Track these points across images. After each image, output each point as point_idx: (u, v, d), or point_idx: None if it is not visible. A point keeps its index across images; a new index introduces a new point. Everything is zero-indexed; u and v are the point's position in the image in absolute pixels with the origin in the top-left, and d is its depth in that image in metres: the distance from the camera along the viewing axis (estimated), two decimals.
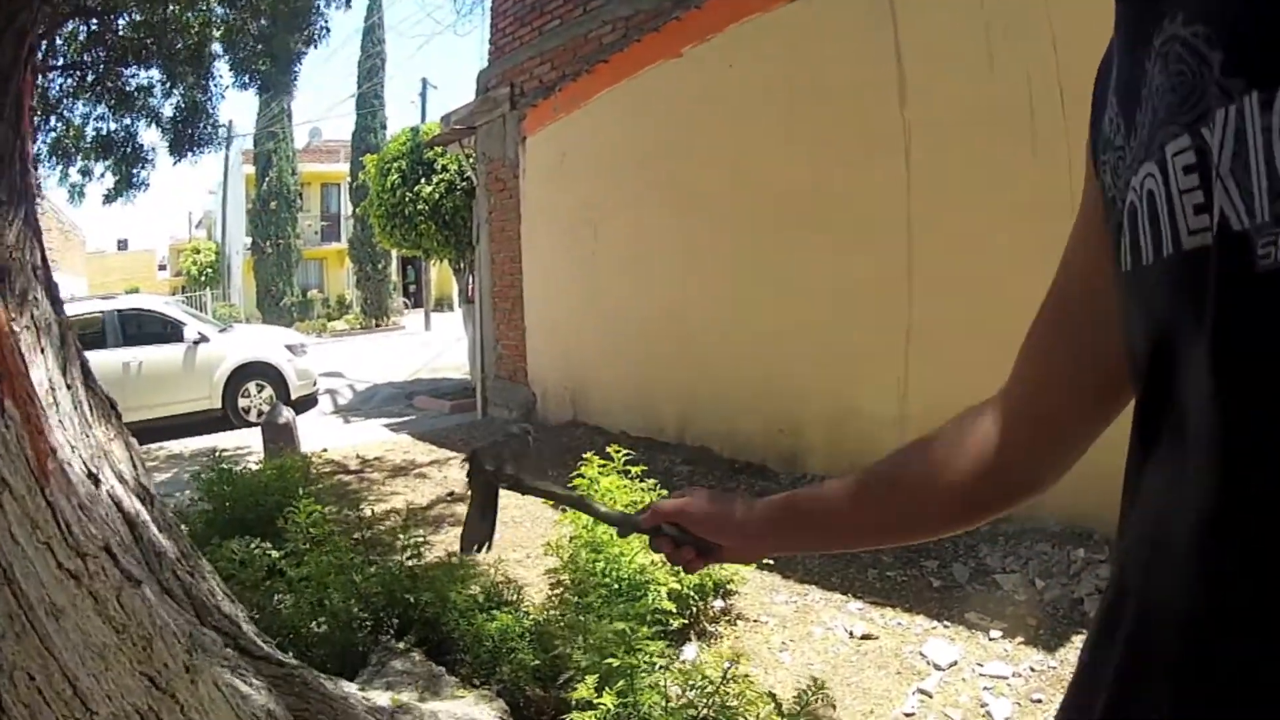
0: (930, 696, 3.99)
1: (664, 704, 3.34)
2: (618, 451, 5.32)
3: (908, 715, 3.88)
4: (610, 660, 3.38)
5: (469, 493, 1.49)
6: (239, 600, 4.56)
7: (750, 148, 7.84)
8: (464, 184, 14.70)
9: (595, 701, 3.25)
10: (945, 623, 4.62)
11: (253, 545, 5.09)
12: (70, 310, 11.19)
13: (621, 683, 3.30)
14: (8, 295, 2.74)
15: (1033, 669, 4.08)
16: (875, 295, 6.56)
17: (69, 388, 2.89)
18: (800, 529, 1.24)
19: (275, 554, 4.93)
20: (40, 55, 7.17)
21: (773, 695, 3.48)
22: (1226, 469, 0.59)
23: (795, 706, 3.46)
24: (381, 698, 3.34)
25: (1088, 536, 4.96)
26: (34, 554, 1.32)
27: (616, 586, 4.51)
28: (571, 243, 10.67)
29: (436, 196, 15.00)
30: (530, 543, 6.52)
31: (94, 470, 2.73)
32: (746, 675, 3.54)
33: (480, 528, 1.50)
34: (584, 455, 5.41)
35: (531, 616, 4.37)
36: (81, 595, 1.41)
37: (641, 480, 5.29)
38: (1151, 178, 0.68)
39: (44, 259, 3.04)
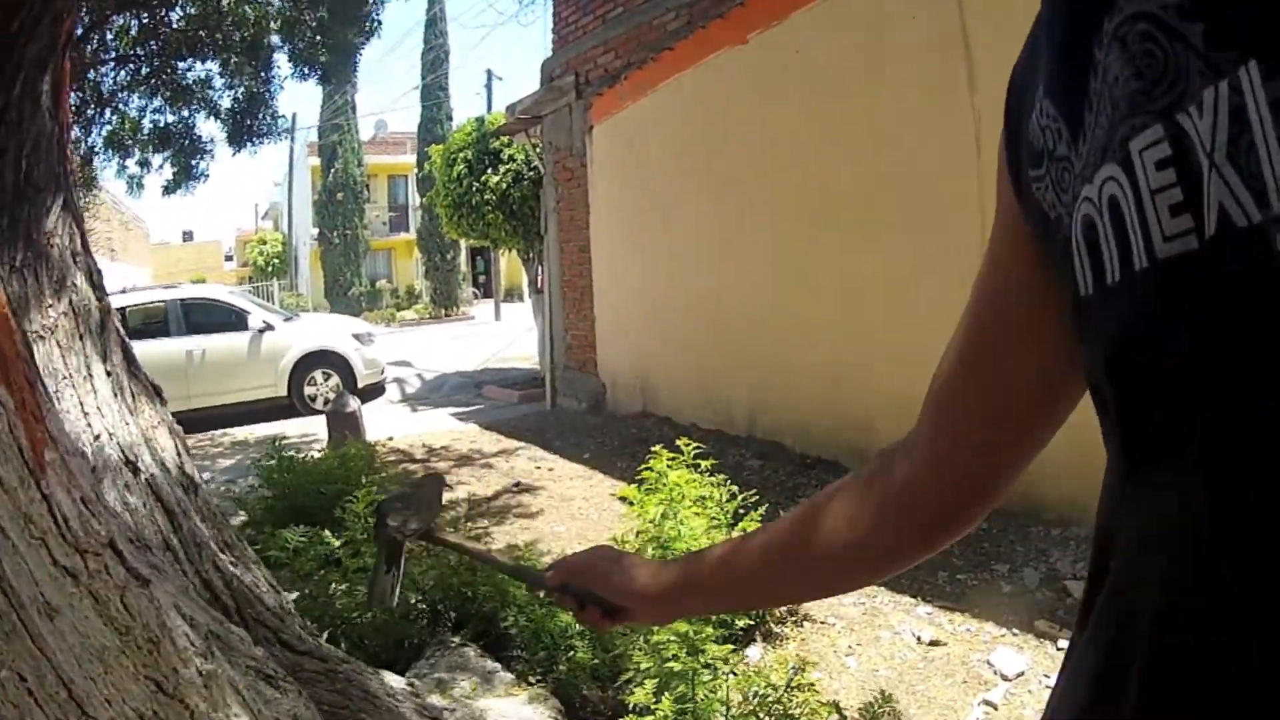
0: (995, 709, 3.86)
1: (725, 711, 3.19)
2: (687, 444, 5.15)
3: None
4: (671, 664, 3.23)
5: (376, 546, 1.48)
6: (291, 589, 4.51)
7: (819, 135, 7.64)
8: (531, 173, 14.65)
9: (653, 706, 3.12)
10: (1014, 630, 4.48)
11: (307, 534, 5.00)
12: (133, 299, 11.37)
13: (681, 687, 3.16)
14: (43, 280, 2.71)
15: None
16: (946, 284, 6.32)
17: (109, 374, 2.83)
18: (710, 595, 1.21)
19: (334, 543, 4.83)
20: (91, 48, 7.16)
21: (836, 706, 3.32)
22: (1222, 477, 0.54)
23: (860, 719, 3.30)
24: (432, 695, 3.23)
25: None
26: (26, 550, 1.21)
27: None
28: (640, 232, 10.55)
29: (504, 186, 14.91)
30: (597, 536, 6.41)
31: (132, 458, 2.65)
32: (811, 684, 3.38)
33: (384, 581, 1.48)
34: (653, 449, 5.25)
35: None
36: (80, 594, 1.30)
37: (711, 475, 5.11)
38: (1113, 181, 0.61)
39: (84, 245, 3.00)
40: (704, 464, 5.10)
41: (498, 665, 3.77)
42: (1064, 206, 0.69)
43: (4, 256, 2.65)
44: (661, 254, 10.17)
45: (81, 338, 2.77)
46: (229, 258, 66.79)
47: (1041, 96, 0.72)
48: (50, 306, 2.71)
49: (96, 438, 2.60)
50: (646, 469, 5.02)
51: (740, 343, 8.84)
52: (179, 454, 2.99)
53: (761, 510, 4.94)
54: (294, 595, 4.52)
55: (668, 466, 4.96)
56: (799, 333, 7.99)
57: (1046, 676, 4.00)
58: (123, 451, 2.63)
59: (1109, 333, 0.63)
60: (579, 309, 12.38)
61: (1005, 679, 4.05)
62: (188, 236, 73.35)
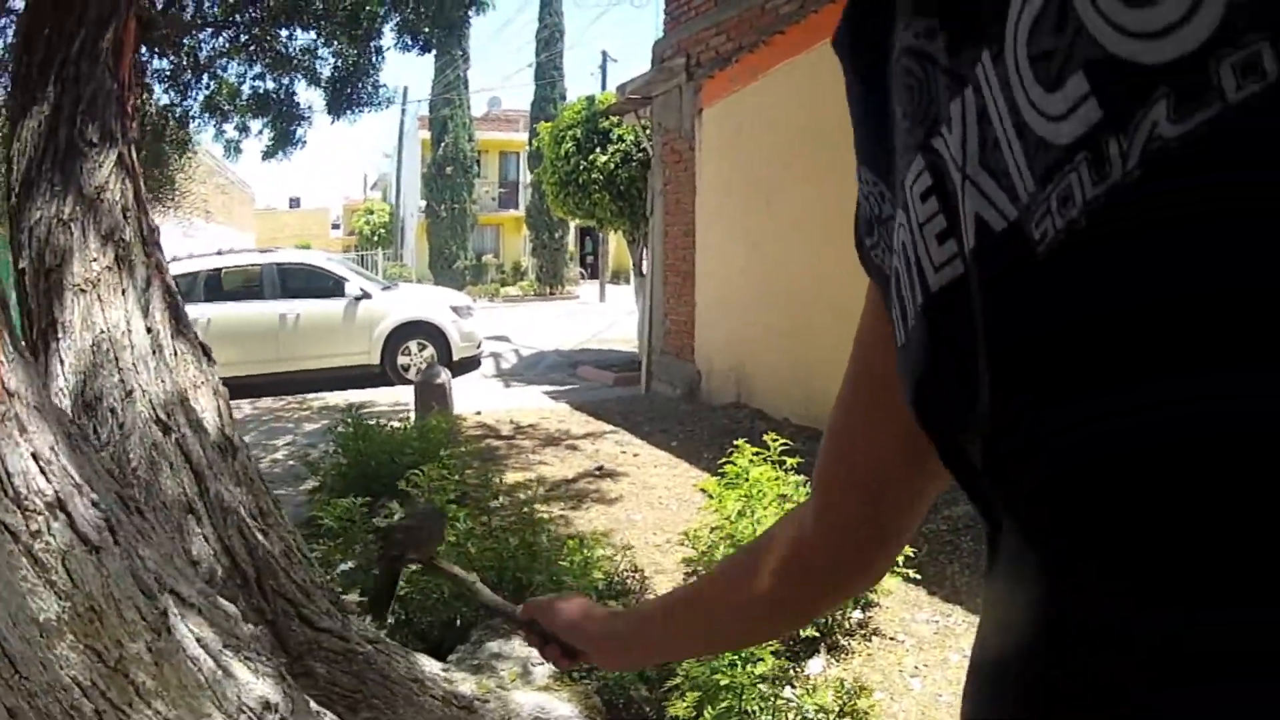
0: None
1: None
2: (774, 440, 4.98)
3: None
4: (717, 676, 3.03)
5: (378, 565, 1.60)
6: (346, 559, 4.41)
7: None
8: (640, 155, 14.51)
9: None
10: None
11: (366, 503, 4.88)
12: (228, 261, 11.59)
13: (728, 700, 2.97)
14: (89, 234, 2.69)
15: None
16: None
17: (149, 331, 2.77)
18: (649, 649, 1.25)
19: (396, 515, 4.72)
20: (189, 14, 7.22)
21: None
22: (999, 476, 0.55)
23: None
24: (466, 683, 3.09)
25: None
26: None
27: None
28: (745, 218, 10.33)
29: (611, 166, 14.82)
30: (673, 527, 6.28)
31: (164, 417, 2.55)
32: (867, 710, 3.17)
33: (380, 595, 1.62)
34: (737, 441, 5.08)
35: None
36: (18, 552, 1.17)
37: (798, 473, 4.91)
38: (902, 227, 0.62)
39: (139, 201, 3.00)
40: (790, 461, 4.93)
41: (541, 659, 3.62)
42: (887, 265, 0.70)
43: (53, 210, 2.64)
44: (764, 241, 9.96)
45: (124, 293, 2.74)
46: (336, 226, 67.73)
47: (859, 166, 0.74)
48: (94, 260, 2.70)
49: (128, 394, 2.52)
50: (729, 462, 4.87)
51: (840, 337, 8.28)
52: (220, 416, 2.89)
53: None
54: (349, 565, 4.43)
55: (750, 462, 4.79)
56: None
57: None
58: (154, 410, 2.53)
59: (907, 377, 0.64)
60: (680, 294, 12.22)
61: None
62: (294, 203, 74.59)
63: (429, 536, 1.49)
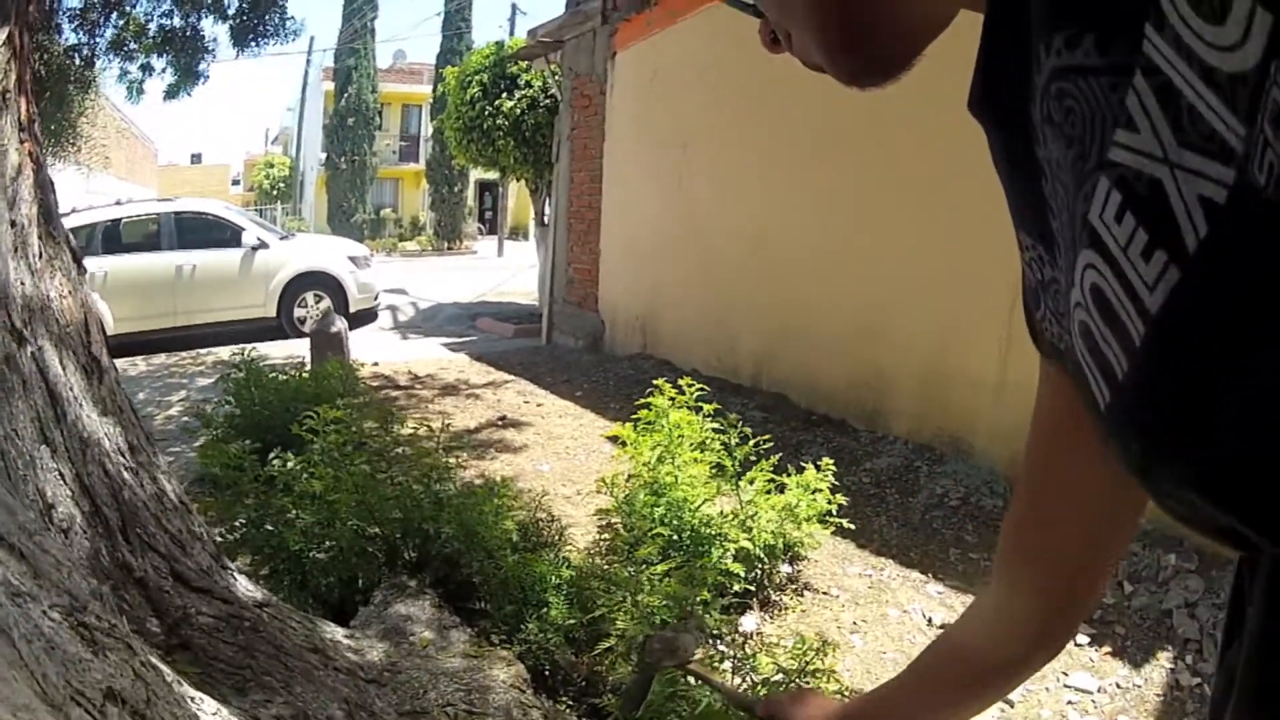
0: (1012, 706, 3.62)
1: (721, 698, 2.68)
2: (690, 385, 4.73)
3: None
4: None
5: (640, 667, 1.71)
6: (235, 513, 3.99)
7: None
8: (547, 101, 14.26)
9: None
10: None
11: (256, 449, 4.45)
12: (126, 211, 11.34)
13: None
14: None
15: (1118, 685, 3.74)
16: (983, 245, 5.78)
17: (13, 225, 2.34)
18: None
19: (289, 462, 4.27)
20: None
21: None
22: None
23: None
24: (374, 650, 2.72)
25: (1178, 542, 4.50)
26: None
27: (676, 538, 3.88)
28: (657, 164, 10.10)
29: (518, 112, 14.48)
30: (582, 478, 6.08)
31: (19, 324, 2.12)
32: (832, 670, 2.90)
33: (634, 694, 1.73)
34: (655, 382, 4.82)
35: (572, 565, 3.70)
36: None
37: (714, 419, 4.69)
38: (1091, 269, 0.57)
39: (21, 87, 2.64)
40: (706, 408, 4.74)
41: (456, 619, 3.24)
42: (1062, 329, 0.69)
43: None
44: (677, 189, 9.72)
45: None
46: (236, 182, 66.51)
47: (1016, 231, 0.73)
48: None
49: None
50: (644, 406, 4.67)
51: (754, 287, 8.37)
52: (86, 331, 2.46)
53: (773, 460, 4.51)
54: (240, 523, 4.00)
55: (669, 405, 4.53)
56: (817, 281, 7.48)
57: (1065, 674, 3.78)
58: (8, 316, 2.11)
59: (1135, 438, 0.57)
60: (584, 242, 11.98)
61: None
62: (196, 159, 73.09)
63: (685, 646, 1.60)
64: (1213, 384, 0.50)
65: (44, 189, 2.62)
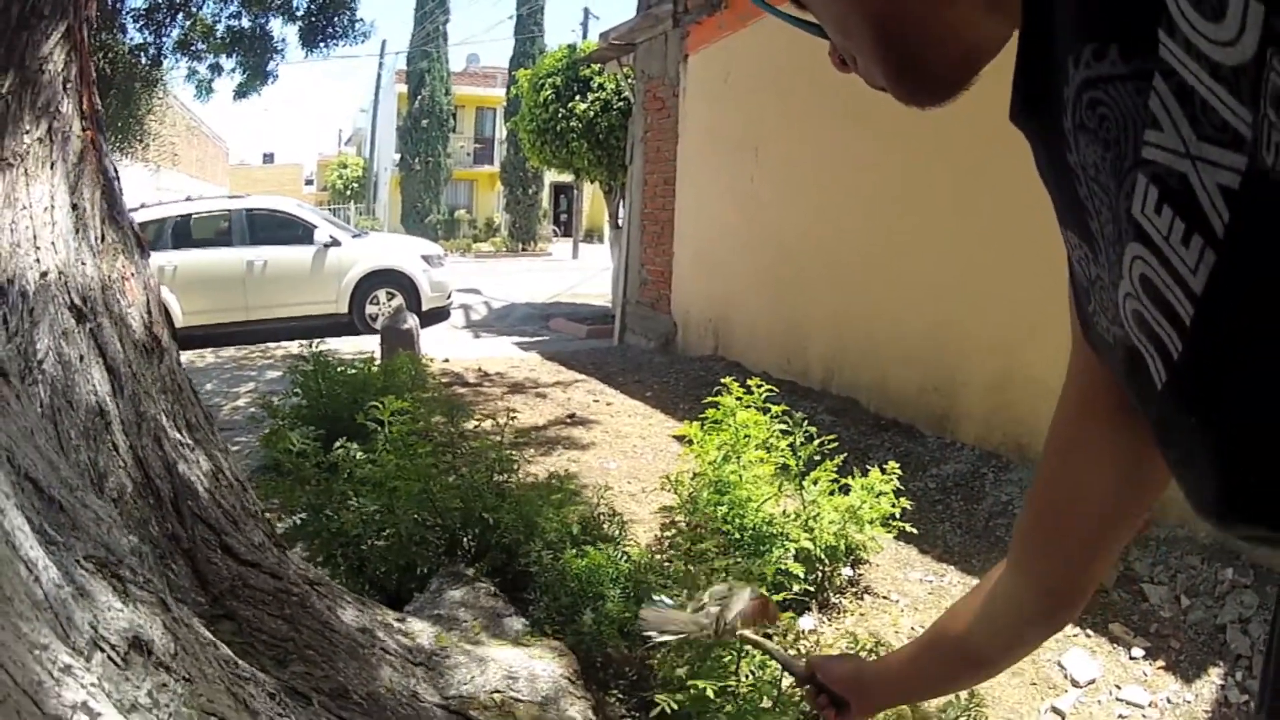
0: (1063, 717, 3.62)
1: (775, 693, 2.64)
2: (758, 386, 4.70)
3: None
4: None
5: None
6: (297, 500, 4.01)
7: None
8: (620, 104, 14.31)
9: (687, 681, 2.58)
10: (1088, 631, 4.19)
11: (319, 437, 4.47)
12: (197, 208, 11.51)
13: (727, 657, 2.61)
14: (25, 105, 2.38)
15: (1169, 700, 3.71)
16: (1052, 250, 5.64)
17: (75, 208, 2.40)
18: (892, 691, 1.38)
19: (354, 450, 4.27)
20: None
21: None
22: None
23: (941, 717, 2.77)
24: (424, 634, 2.71)
25: (1235, 556, 4.44)
26: None
27: (738, 536, 3.85)
28: (730, 167, 10.06)
29: (591, 115, 14.52)
30: (648, 476, 6.05)
31: (79, 302, 2.15)
32: None
33: (669, 622, 1.70)
34: (722, 380, 4.82)
35: (631, 559, 3.68)
36: None
37: (782, 421, 4.63)
38: (1139, 260, 0.63)
39: (84, 76, 2.67)
40: (775, 409, 4.67)
41: (511, 608, 3.23)
42: (1110, 323, 0.72)
43: None
44: (749, 192, 9.66)
45: (52, 165, 2.39)
46: (309, 182, 67.10)
47: (1063, 231, 0.77)
48: (26, 132, 2.35)
49: (44, 274, 2.14)
50: (712, 405, 4.62)
51: (824, 291, 8.31)
52: (148, 313, 2.49)
53: (837, 461, 4.48)
54: (301, 516, 4.03)
55: (737, 404, 4.50)
56: (888, 286, 7.40)
57: (1118, 687, 3.78)
58: (69, 293, 2.14)
59: (1188, 411, 0.63)
60: (658, 244, 11.96)
61: (1076, 685, 3.81)
62: (268, 159, 73.92)
63: (741, 616, 1.64)
64: (1256, 355, 0.55)
65: (106, 176, 2.67)
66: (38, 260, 2.15)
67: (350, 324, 14.08)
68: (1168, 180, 0.56)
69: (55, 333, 2.04)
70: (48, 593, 1.02)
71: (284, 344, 12.56)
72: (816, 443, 4.46)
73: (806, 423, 4.59)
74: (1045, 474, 1.01)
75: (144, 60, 10.91)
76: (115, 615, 1.16)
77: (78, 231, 2.34)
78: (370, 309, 14.30)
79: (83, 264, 2.27)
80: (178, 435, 2.24)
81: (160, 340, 2.48)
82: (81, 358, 2.04)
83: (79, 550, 1.20)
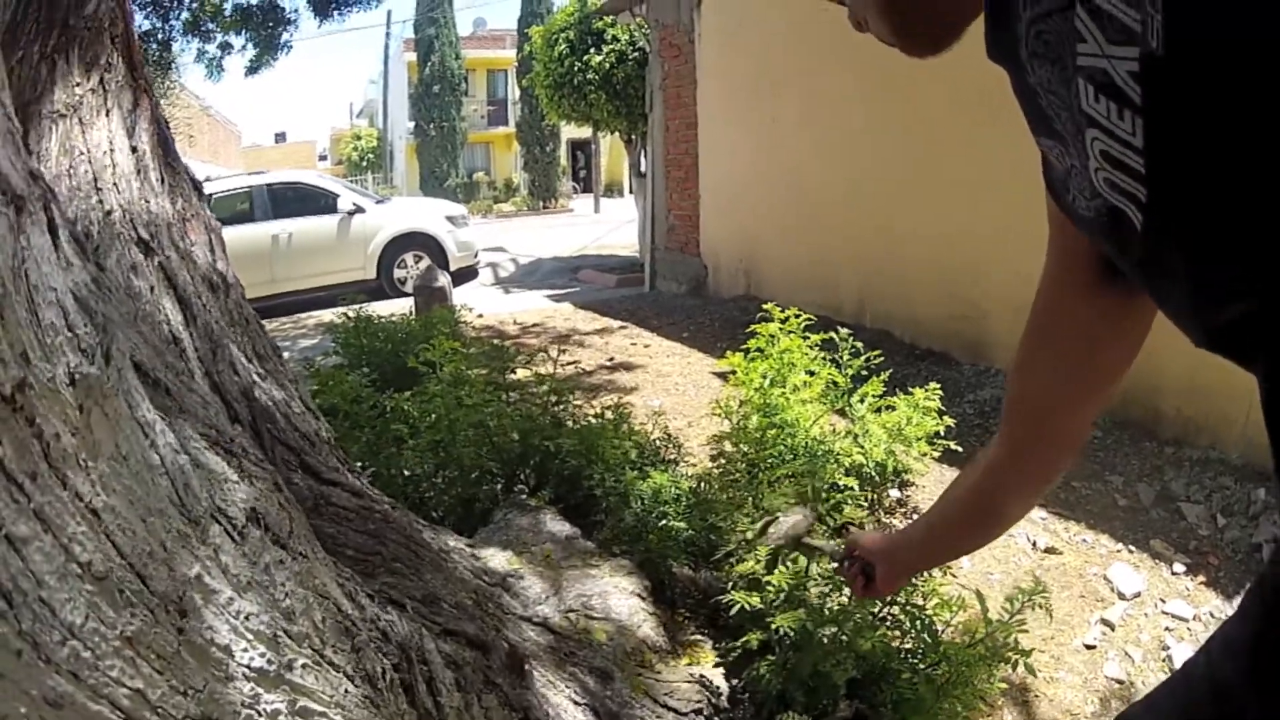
0: (1112, 629, 3.73)
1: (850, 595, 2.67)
2: (797, 315, 4.75)
3: (1089, 647, 3.63)
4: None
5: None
6: (342, 441, 4.05)
7: None
8: (635, 54, 14.23)
9: (763, 579, 2.61)
10: (1130, 547, 4.29)
11: (375, 380, 4.51)
12: (217, 187, 11.40)
13: (801, 560, 2.65)
14: (73, 61, 2.44)
15: (1211, 614, 3.79)
16: None
17: (134, 150, 2.45)
18: (918, 552, 1.60)
19: (406, 398, 4.31)
20: None
21: (980, 595, 2.82)
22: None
23: (1002, 613, 2.81)
24: (496, 558, 2.75)
25: (1266, 478, 4.45)
26: None
27: (791, 456, 3.86)
28: (750, 108, 10.02)
29: (607, 66, 14.42)
30: (694, 411, 6.14)
31: (146, 237, 2.19)
32: (937, 590, 2.92)
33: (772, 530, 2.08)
34: (764, 307, 4.93)
35: (690, 480, 3.70)
36: None
37: (822, 350, 4.73)
38: (1097, 140, 0.79)
39: (127, 32, 2.70)
40: (814, 337, 4.75)
41: (577, 531, 3.26)
42: (1092, 198, 0.87)
43: (37, 47, 2.41)
44: (771, 131, 9.62)
45: (108, 114, 2.44)
46: (323, 157, 66.75)
47: (1037, 139, 0.96)
48: (77, 84, 2.39)
49: (108, 214, 2.18)
50: (754, 334, 4.66)
51: (850, 223, 8.31)
52: (211, 250, 2.53)
53: (884, 376, 4.64)
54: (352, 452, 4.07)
55: (780, 329, 4.52)
56: (913, 215, 7.39)
57: (1162, 601, 3.88)
58: (135, 229, 2.18)
59: (1164, 230, 0.79)
60: (683, 189, 11.91)
61: (1123, 598, 3.92)
62: (280, 138, 73.43)
63: (798, 526, 1.97)
64: (1195, 172, 0.72)
65: (159, 124, 2.70)
66: (100, 201, 2.19)
67: (380, 289, 14.11)
68: (1096, 76, 0.74)
69: (124, 267, 2.07)
70: (164, 457, 1.02)
71: (314, 313, 12.58)
72: (863, 358, 4.50)
73: (850, 335, 4.65)
74: (1035, 319, 1.23)
75: (153, 46, 10.90)
76: (232, 487, 1.16)
77: (139, 173, 2.37)
78: (398, 273, 14.37)
79: (146, 202, 2.31)
80: (251, 365, 2.28)
81: (226, 278, 2.52)
82: (152, 289, 2.08)
83: (191, 426, 1.21)
